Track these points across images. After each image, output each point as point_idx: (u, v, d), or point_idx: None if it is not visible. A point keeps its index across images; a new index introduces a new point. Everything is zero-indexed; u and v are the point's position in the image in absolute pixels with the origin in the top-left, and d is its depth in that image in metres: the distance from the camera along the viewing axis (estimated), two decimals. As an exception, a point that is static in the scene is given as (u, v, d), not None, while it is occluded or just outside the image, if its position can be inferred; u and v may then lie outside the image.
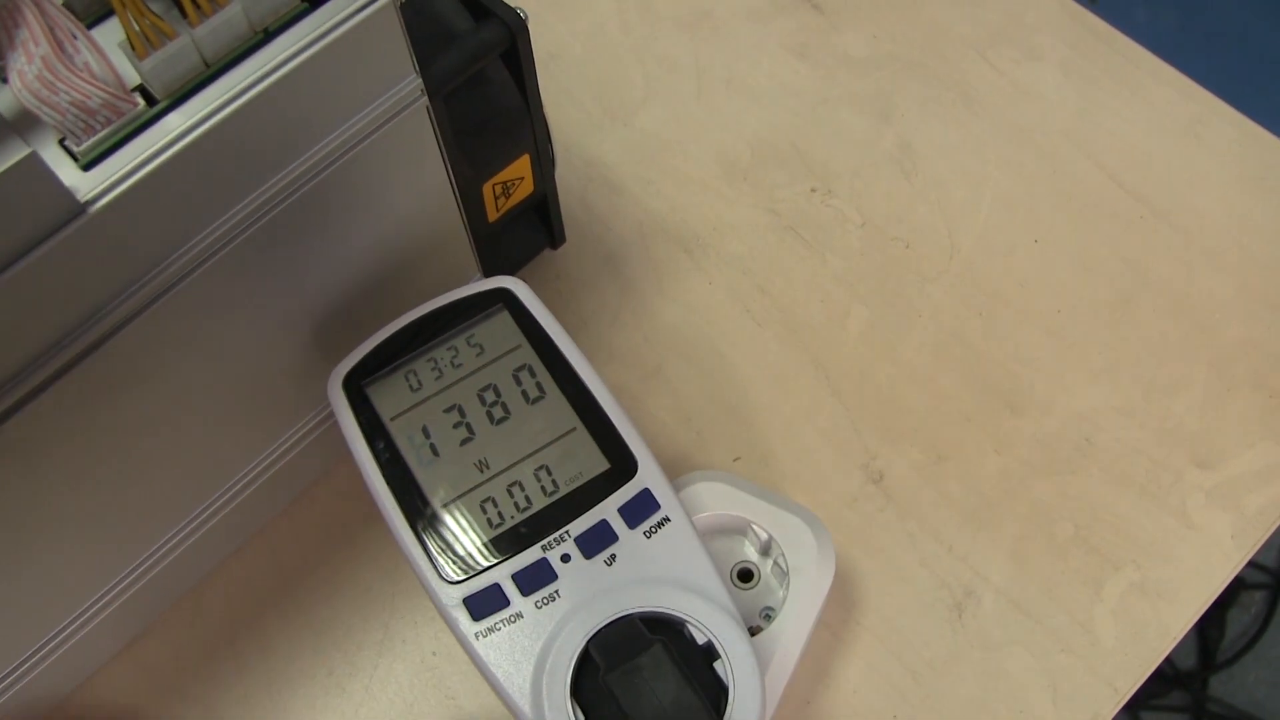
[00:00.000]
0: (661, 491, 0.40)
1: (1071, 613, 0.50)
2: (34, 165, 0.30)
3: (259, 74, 0.35)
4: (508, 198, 0.50)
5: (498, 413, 0.42)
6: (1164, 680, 1.37)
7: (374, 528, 0.52)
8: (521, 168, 0.50)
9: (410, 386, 0.42)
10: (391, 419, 0.42)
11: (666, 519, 0.39)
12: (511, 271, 0.54)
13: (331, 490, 0.53)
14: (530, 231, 0.56)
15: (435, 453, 0.41)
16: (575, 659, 0.37)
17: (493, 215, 0.51)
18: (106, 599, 0.47)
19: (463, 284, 0.45)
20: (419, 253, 0.47)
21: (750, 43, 0.66)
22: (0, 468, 0.37)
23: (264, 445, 0.49)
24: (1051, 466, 0.53)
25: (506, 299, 0.44)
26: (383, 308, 0.45)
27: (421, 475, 0.41)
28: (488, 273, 0.52)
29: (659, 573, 0.38)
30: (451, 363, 0.43)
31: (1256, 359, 0.55)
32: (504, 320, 0.43)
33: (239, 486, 0.48)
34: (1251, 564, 1.41)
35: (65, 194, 0.32)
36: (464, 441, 0.41)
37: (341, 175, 0.40)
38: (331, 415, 0.44)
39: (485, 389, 0.42)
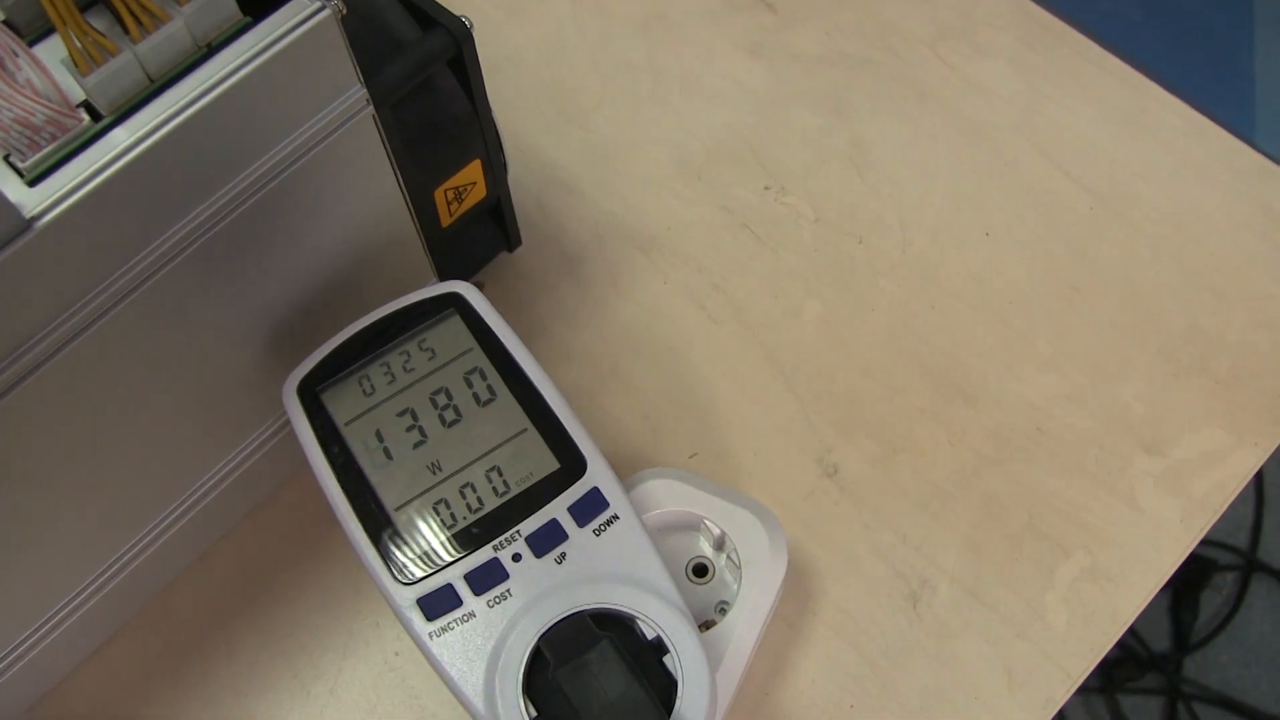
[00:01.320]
0: (610, 490, 0.40)
1: (1025, 599, 0.50)
2: (-23, 184, 0.30)
3: (203, 88, 0.35)
4: (460, 203, 0.51)
5: (449, 415, 0.42)
6: (1138, 663, 1.38)
7: (335, 532, 0.52)
8: (473, 173, 0.50)
9: (364, 391, 0.43)
10: (346, 424, 0.42)
11: (615, 517, 0.40)
12: (469, 275, 0.55)
13: (294, 495, 0.54)
14: (486, 235, 0.57)
15: (389, 456, 0.42)
16: (527, 656, 0.38)
17: (446, 220, 0.51)
18: (71, 607, 0.47)
19: (418, 288, 0.45)
20: (373, 259, 0.48)
21: (704, 43, 0.67)
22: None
23: (224, 453, 0.49)
24: (1003, 456, 0.54)
25: (457, 303, 0.44)
26: (338, 314, 0.46)
27: (376, 478, 0.41)
28: (444, 276, 0.53)
29: (609, 570, 0.39)
30: (404, 367, 0.43)
31: (1202, 345, 0.56)
32: (455, 324, 0.44)
33: (200, 494, 0.49)
34: (1223, 546, 1.43)
35: (11, 210, 0.32)
36: (417, 444, 0.42)
37: (290, 185, 0.40)
38: (289, 422, 0.45)
39: (437, 392, 0.43)
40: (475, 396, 0.43)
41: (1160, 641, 1.40)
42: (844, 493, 0.53)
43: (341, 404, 0.43)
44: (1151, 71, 0.64)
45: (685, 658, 0.38)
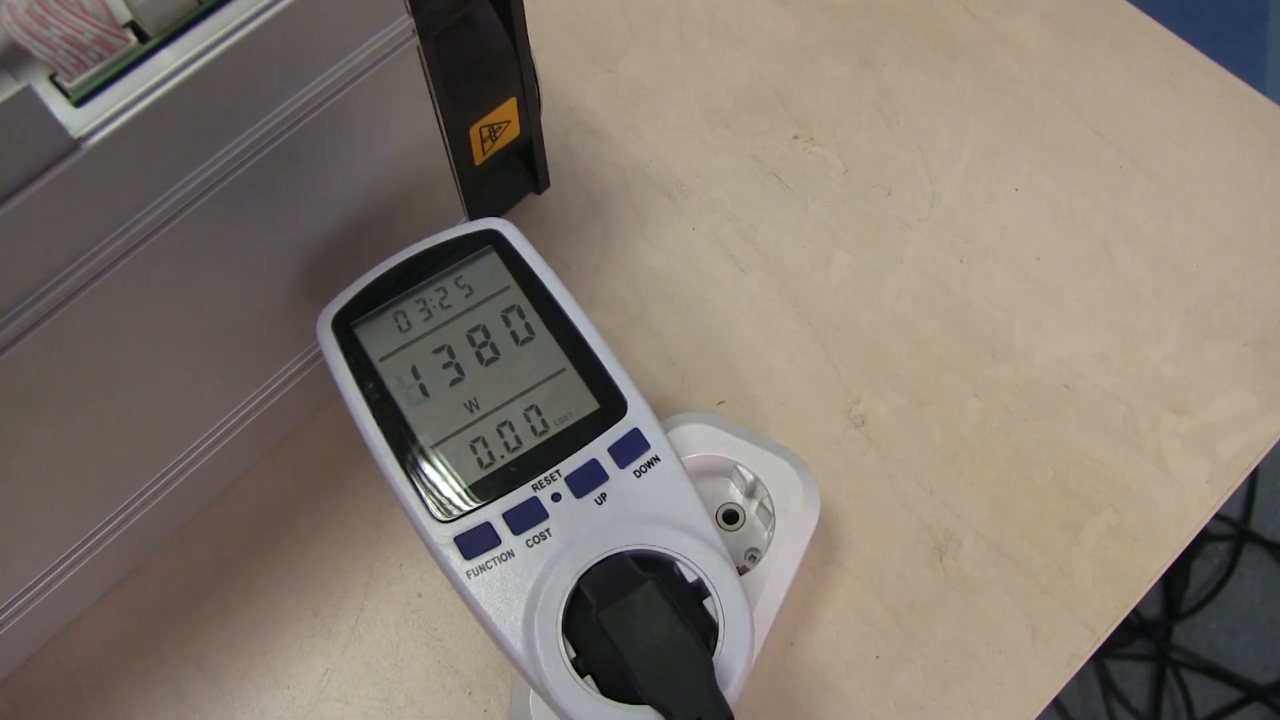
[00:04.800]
0: (651, 431, 0.40)
1: (1050, 555, 0.50)
2: (28, 100, 0.30)
3: (252, 11, 0.34)
4: (494, 140, 0.50)
5: (487, 353, 0.42)
6: (1129, 629, 1.38)
7: (358, 470, 0.52)
8: (508, 110, 0.49)
9: (399, 327, 0.43)
10: (381, 359, 0.42)
11: (656, 459, 0.40)
12: (496, 215, 0.54)
13: (316, 433, 0.53)
14: (515, 176, 0.56)
15: (425, 393, 0.41)
16: (567, 597, 0.37)
17: (479, 158, 0.50)
18: (92, 542, 0.47)
19: (448, 226, 0.45)
20: (406, 194, 0.47)
21: (733, -11, 0.66)
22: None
23: (251, 387, 0.48)
24: (1031, 412, 0.53)
25: (495, 240, 0.44)
26: (368, 250, 0.45)
27: (411, 415, 0.41)
28: (473, 216, 0.52)
29: (649, 512, 0.39)
30: (440, 304, 0.43)
31: (1231, 308, 0.56)
32: (492, 261, 0.43)
33: (226, 428, 0.48)
34: (1216, 516, 1.43)
35: (59, 130, 0.31)
36: (454, 382, 0.41)
37: (333, 114, 0.40)
38: (318, 357, 0.44)
39: (474, 330, 0.42)
40: (513, 335, 0.42)
41: (1150, 608, 1.41)
42: (870, 444, 0.53)
43: (377, 339, 0.42)
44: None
45: (726, 601, 0.37)
